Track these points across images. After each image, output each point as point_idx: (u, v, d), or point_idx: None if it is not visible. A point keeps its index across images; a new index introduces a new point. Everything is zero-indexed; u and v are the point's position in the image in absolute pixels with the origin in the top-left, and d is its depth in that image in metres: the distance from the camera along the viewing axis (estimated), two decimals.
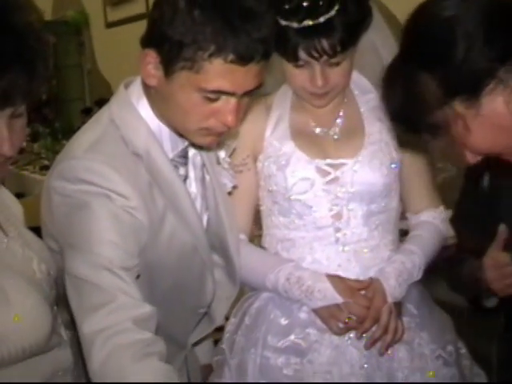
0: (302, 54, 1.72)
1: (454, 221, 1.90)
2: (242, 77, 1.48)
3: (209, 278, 1.74)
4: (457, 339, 1.90)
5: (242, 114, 1.58)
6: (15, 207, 1.70)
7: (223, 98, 1.50)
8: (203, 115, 1.53)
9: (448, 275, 1.89)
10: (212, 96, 1.49)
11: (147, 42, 1.53)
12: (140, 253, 1.55)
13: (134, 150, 1.58)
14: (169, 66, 1.49)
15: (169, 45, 1.47)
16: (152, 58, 1.51)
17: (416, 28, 1.32)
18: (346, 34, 1.71)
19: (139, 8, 4.77)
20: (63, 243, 1.57)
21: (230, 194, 1.83)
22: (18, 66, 1.33)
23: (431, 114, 1.29)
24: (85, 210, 1.52)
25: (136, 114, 1.61)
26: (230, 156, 1.83)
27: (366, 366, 1.82)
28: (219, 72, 1.46)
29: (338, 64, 1.75)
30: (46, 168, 4.97)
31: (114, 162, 1.54)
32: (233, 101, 1.51)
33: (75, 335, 1.67)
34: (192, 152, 1.72)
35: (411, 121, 1.33)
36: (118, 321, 1.45)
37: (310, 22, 1.68)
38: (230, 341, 1.89)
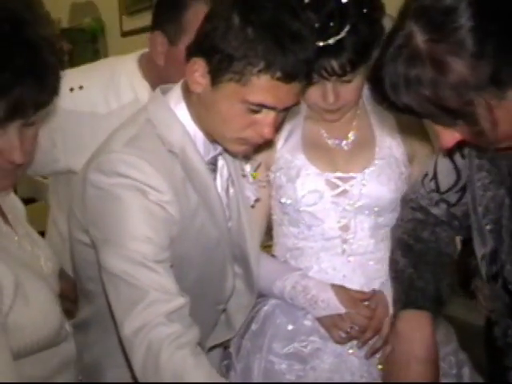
0: (313, 74, 1.75)
1: None
2: (285, 93, 1.56)
3: (229, 273, 1.80)
4: (458, 349, 1.93)
5: (278, 128, 1.66)
6: (19, 207, 1.75)
7: (264, 111, 1.58)
8: (243, 125, 1.60)
9: None
10: (254, 108, 1.57)
11: (196, 51, 1.60)
12: (169, 246, 1.61)
13: (169, 148, 1.64)
14: (216, 76, 1.56)
15: (219, 57, 1.54)
16: (200, 66, 1.58)
17: (447, 11, 1.26)
18: (357, 54, 1.73)
19: None
20: (97, 237, 1.62)
21: (252, 206, 1.88)
22: (30, 79, 1.35)
23: (459, 99, 1.27)
24: (118, 204, 1.57)
25: (173, 115, 1.67)
26: (255, 170, 1.89)
27: (365, 374, 1.86)
28: (265, 87, 1.54)
29: (349, 81, 1.79)
30: None
31: (150, 157, 1.60)
32: (272, 114, 1.59)
33: (82, 335, 1.73)
34: (221, 163, 1.79)
35: (432, 105, 1.30)
36: (151, 317, 1.51)
37: (321, 44, 1.70)
38: (237, 345, 1.93)
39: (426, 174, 1.74)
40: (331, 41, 1.71)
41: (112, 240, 1.57)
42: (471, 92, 1.26)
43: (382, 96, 1.36)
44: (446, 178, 1.68)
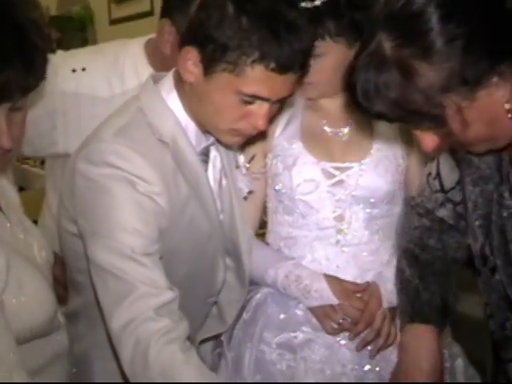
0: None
1: None
2: (280, 85, 1.55)
3: (220, 266, 1.78)
4: (451, 342, 1.93)
5: (271, 119, 1.64)
6: (13, 195, 1.72)
7: (257, 102, 1.57)
8: (236, 116, 1.59)
9: None
10: (248, 99, 1.56)
11: (189, 39, 1.58)
12: (159, 238, 1.59)
13: (160, 138, 1.62)
14: (210, 66, 1.54)
15: (213, 46, 1.52)
16: (193, 55, 1.56)
17: (413, 16, 1.29)
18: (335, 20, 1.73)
19: (143, 6, 4.77)
20: (85, 228, 1.60)
21: (245, 198, 1.86)
22: (17, 62, 1.33)
23: (427, 103, 1.28)
24: (107, 196, 1.55)
25: (164, 105, 1.65)
26: (249, 162, 1.88)
27: (356, 367, 1.85)
28: (259, 78, 1.52)
29: (319, 56, 1.75)
30: None
31: (140, 148, 1.58)
32: (266, 106, 1.58)
33: (71, 325, 1.70)
34: (213, 154, 1.77)
35: (403, 109, 1.32)
36: (139, 312, 1.50)
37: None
38: (229, 334, 1.91)
39: (430, 173, 1.73)
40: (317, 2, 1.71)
41: (100, 232, 1.55)
42: (440, 95, 1.27)
43: (356, 102, 1.37)
44: (449, 175, 1.68)
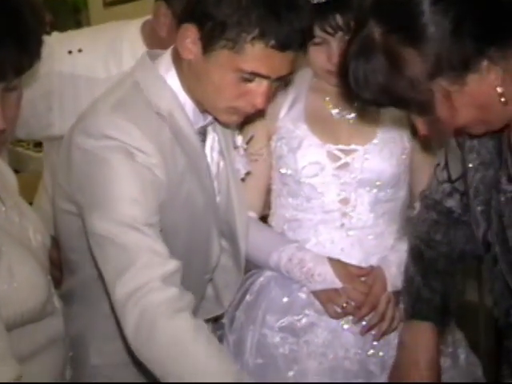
0: (317, 31, 1.74)
1: None
2: (279, 62, 1.54)
3: (215, 241, 1.77)
4: (454, 328, 1.92)
5: (270, 98, 1.63)
6: (10, 177, 1.70)
7: (257, 80, 1.56)
8: (235, 95, 1.58)
9: None
10: (247, 77, 1.55)
11: (188, 17, 1.57)
12: (158, 210, 1.57)
13: (157, 111, 1.61)
14: (209, 43, 1.54)
15: (212, 24, 1.52)
16: (192, 33, 1.55)
17: (403, 1, 1.29)
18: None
19: None
20: (84, 202, 1.58)
21: (242, 180, 1.84)
22: (10, 42, 1.32)
23: (415, 89, 1.29)
24: (106, 168, 1.54)
25: (162, 81, 1.64)
26: (247, 143, 1.86)
27: (359, 351, 1.84)
28: (259, 55, 1.52)
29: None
30: (40, 145, 4.90)
31: (137, 120, 1.57)
32: (265, 83, 1.57)
33: (66, 307, 1.68)
34: (211, 135, 1.75)
35: (391, 96, 1.33)
36: (145, 281, 1.47)
37: None
38: (231, 316, 1.90)
39: (438, 164, 1.72)
40: None
41: (100, 203, 1.54)
42: (428, 80, 1.27)
43: (349, 89, 1.37)
44: (456, 165, 1.67)
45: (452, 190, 1.70)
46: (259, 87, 1.57)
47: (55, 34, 2.30)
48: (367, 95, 1.34)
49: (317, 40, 1.76)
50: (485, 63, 1.26)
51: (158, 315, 1.46)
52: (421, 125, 1.39)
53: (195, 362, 1.46)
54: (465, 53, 1.24)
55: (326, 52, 1.78)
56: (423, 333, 1.70)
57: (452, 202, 1.72)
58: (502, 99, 1.29)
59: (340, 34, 1.74)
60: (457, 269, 1.76)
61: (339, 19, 1.73)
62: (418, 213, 1.82)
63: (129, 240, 1.50)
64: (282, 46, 1.51)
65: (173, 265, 1.51)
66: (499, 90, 1.29)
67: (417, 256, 1.76)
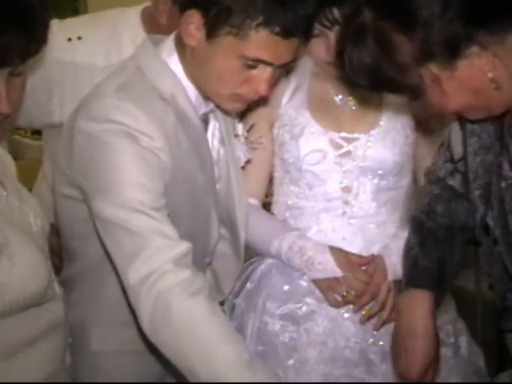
0: (315, 24, 1.72)
1: None
2: (283, 49, 1.54)
3: (214, 221, 1.76)
4: (456, 318, 1.92)
5: (273, 85, 1.63)
6: (10, 163, 1.69)
7: (260, 67, 1.55)
8: (238, 81, 1.57)
9: None
10: (251, 63, 1.54)
11: (192, 3, 1.55)
12: (164, 193, 1.57)
13: (160, 95, 1.60)
14: (213, 29, 1.52)
15: (217, 9, 1.50)
16: (196, 19, 1.54)
17: None
18: None
19: None
20: (88, 187, 1.57)
21: (243, 168, 1.83)
22: (17, 27, 1.31)
23: (405, 74, 1.30)
24: (110, 152, 1.53)
25: (165, 65, 1.63)
26: (249, 131, 1.85)
27: (360, 340, 1.84)
28: (263, 42, 1.51)
29: None
30: (37, 133, 4.88)
31: (141, 103, 1.56)
32: (269, 70, 1.56)
33: (66, 294, 1.68)
34: (212, 123, 1.75)
35: (384, 81, 1.34)
36: (157, 265, 1.47)
37: None
38: (231, 304, 1.90)
39: (442, 143, 1.72)
40: None
41: (106, 188, 1.53)
42: (418, 65, 1.28)
43: (346, 75, 1.39)
44: (459, 146, 1.66)
45: (454, 170, 1.70)
46: (263, 74, 1.56)
47: (54, 22, 2.28)
48: (362, 81, 1.35)
49: (315, 32, 1.75)
50: (475, 48, 1.26)
51: (173, 298, 1.45)
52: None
53: (209, 348, 1.45)
54: (454, 38, 1.25)
55: (324, 44, 1.78)
56: (419, 300, 1.70)
57: (453, 181, 1.72)
58: (493, 85, 1.30)
59: (337, 27, 1.73)
60: (456, 239, 1.76)
61: (336, 12, 1.72)
62: (421, 187, 1.83)
63: (137, 225, 1.49)
64: (286, 33, 1.51)
65: (184, 246, 1.51)
66: (490, 75, 1.29)
67: (417, 226, 1.77)
